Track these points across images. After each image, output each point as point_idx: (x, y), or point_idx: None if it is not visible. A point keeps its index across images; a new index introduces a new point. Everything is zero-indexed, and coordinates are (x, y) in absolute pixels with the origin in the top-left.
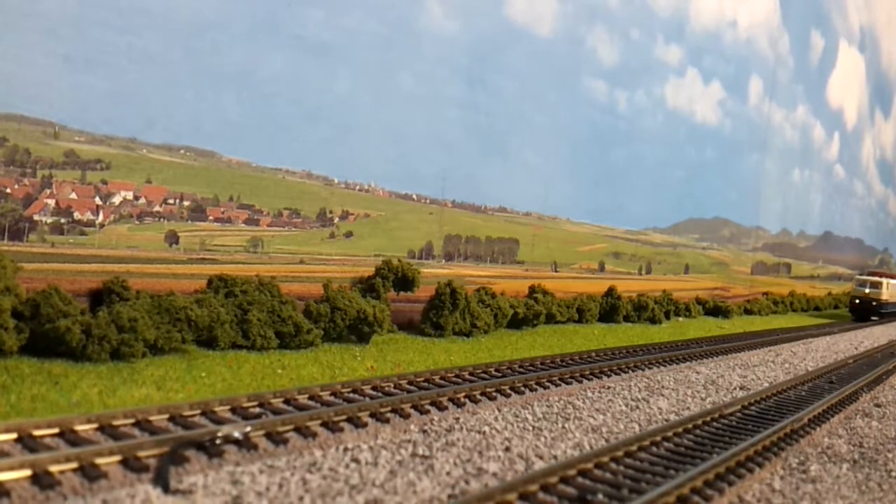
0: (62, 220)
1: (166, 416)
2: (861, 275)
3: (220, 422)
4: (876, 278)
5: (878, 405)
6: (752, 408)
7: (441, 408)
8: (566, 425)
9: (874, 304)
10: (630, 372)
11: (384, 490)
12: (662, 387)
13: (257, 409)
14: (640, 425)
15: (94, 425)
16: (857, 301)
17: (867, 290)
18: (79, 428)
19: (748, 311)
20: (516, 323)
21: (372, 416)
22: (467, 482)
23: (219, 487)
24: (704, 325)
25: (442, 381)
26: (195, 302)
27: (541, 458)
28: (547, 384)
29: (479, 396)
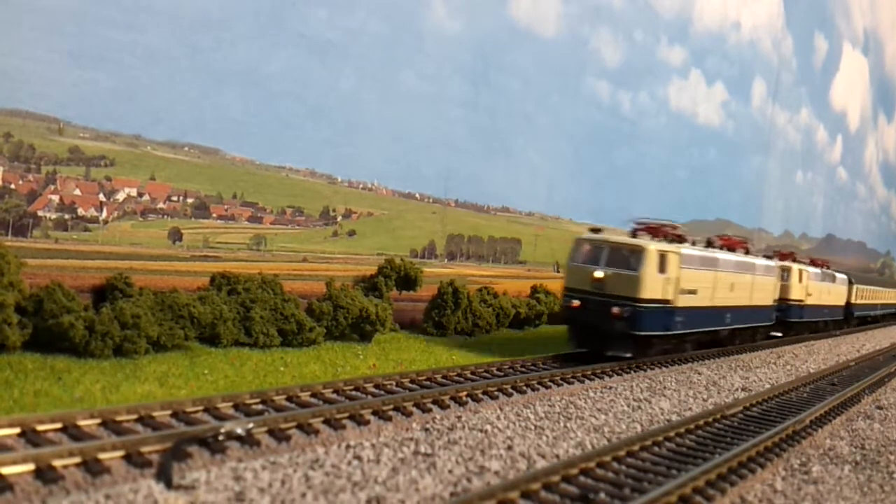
0: (66, 217)
1: (169, 412)
2: (594, 233)
3: (222, 418)
4: (630, 242)
5: (879, 407)
6: (754, 409)
7: (443, 406)
8: (568, 424)
9: (621, 310)
10: (632, 372)
11: (386, 487)
12: (664, 387)
13: (260, 406)
14: (641, 425)
15: (97, 421)
16: (578, 302)
17: (602, 274)
18: (82, 423)
19: None
20: (518, 323)
21: (374, 413)
22: (469, 480)
23: (221, 483)
24: None
25: (444, 380)
26: (198, 299)
27: (543, 456)
28: (549, 383)
29: (481, 395)
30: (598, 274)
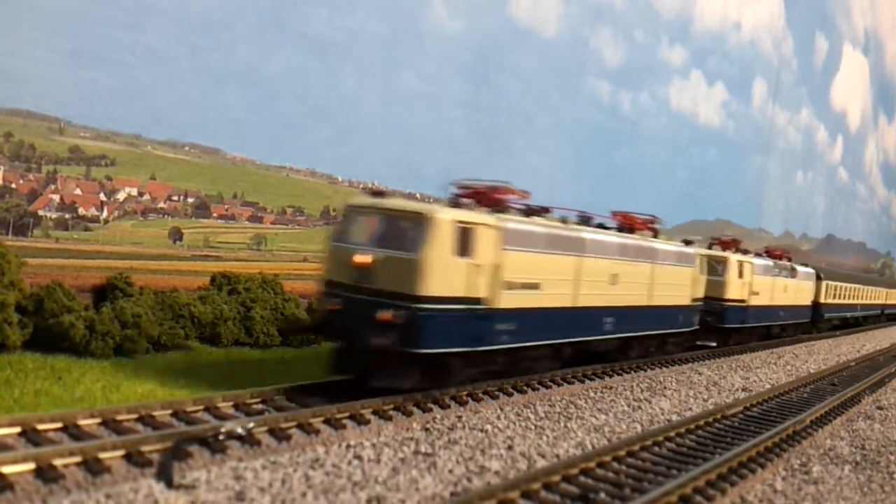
0: (66, 216)
1: (169, 411)
2: (374, 197)
3: (222, 418)
4: (410, 207)
5: (880, 408)
6: (755, 409)
7: (443, 406)
8: (568, 424)
9: (393, 314)
10: (632, 372)
11: (387, 487)
12: (664, 387)
13: (260, 406)
14: (642, 425)
15: (98, 420)
16: (337, 302)
17: (368, 257)
18: (82, 423)
19: None
20: None
21: (374, 413)
22: (469, 480)
23: (222, 483)
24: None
25: None
26: (198, 299)
27: (543, 456)
28: (549, 383)
29: (481, 395)
30: (362, 258)
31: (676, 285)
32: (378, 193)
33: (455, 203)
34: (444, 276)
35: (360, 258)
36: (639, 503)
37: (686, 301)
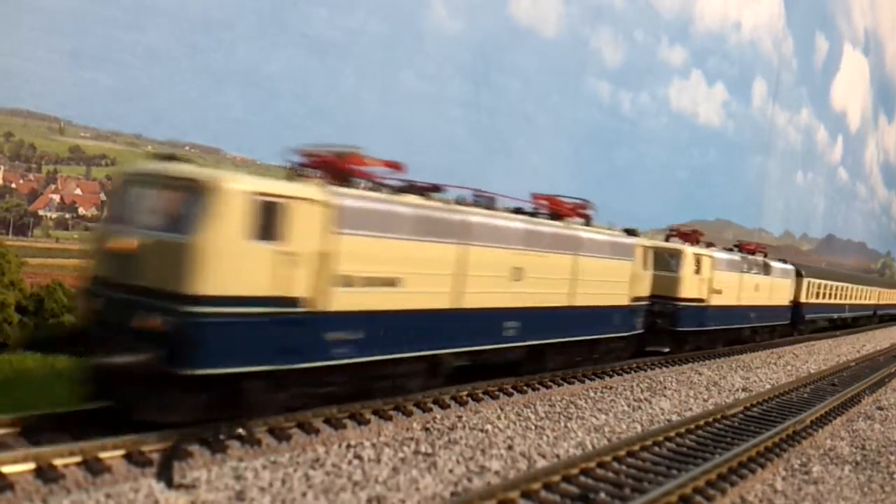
0: (66, 216)
1: None
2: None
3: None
4: (189, 175)
5: (880, 408)
6: (755, 409)
7: (443, 406)
8: (569, 424)
9: (161, 320)
10: (632, 372)
11: (387, 487)
12: (664, 387)
13: None
14: (642, 425)
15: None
16: (96, 302)
17: (132, 241)
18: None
19: None
20: None
21: (375, 413)
22: (470, 480)
23: (222, 482)
24: None
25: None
26: None
27: (543, 456)
28: (549, 383)
29: (481, 395)
30: (121, 242)
31: (610, 282)
32: (168, 157)
33: (299, 175)
34: (233, 267)
35: (118, 243)
36: (639, 503)
37: (624, 301)
